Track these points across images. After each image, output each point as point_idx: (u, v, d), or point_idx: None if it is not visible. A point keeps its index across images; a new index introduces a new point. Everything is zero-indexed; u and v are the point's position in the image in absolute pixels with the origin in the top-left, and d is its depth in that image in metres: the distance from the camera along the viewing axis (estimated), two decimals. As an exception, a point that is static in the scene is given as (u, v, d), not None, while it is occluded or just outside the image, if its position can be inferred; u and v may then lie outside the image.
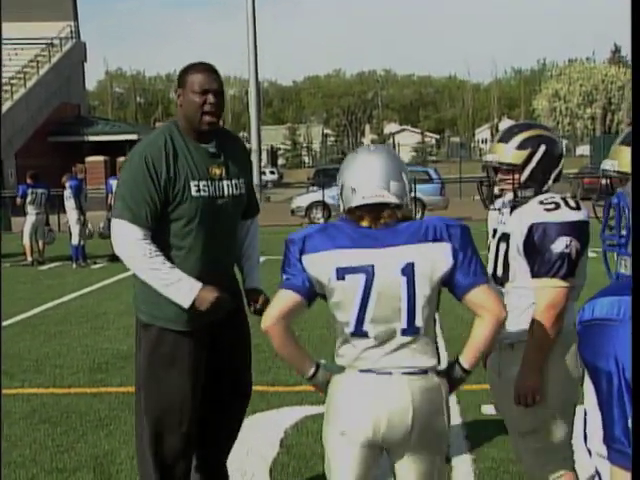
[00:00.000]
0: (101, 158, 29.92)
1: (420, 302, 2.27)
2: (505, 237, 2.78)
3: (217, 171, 2.96)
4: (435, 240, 2.28)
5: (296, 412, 4.82)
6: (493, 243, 2.86)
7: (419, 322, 2.28)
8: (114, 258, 13.62)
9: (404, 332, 2.28)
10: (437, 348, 2.37)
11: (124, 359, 6.38)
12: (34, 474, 4.03)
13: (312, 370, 2.36)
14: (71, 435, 4.59)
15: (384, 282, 2.26)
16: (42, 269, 12.93)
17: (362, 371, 2.30)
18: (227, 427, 3.29)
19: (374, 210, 2.31)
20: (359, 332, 2.28)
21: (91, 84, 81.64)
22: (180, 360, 2.99)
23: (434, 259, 2.27)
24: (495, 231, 2.88)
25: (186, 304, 2.86)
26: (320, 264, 2.28)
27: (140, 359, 3.08)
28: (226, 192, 2.99)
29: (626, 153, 2.48)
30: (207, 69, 2.96)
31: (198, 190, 2.91)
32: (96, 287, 10.69)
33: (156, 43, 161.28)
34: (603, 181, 2.73)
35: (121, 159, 28.22)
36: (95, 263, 13.28)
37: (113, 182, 14.03)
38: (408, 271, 2.26)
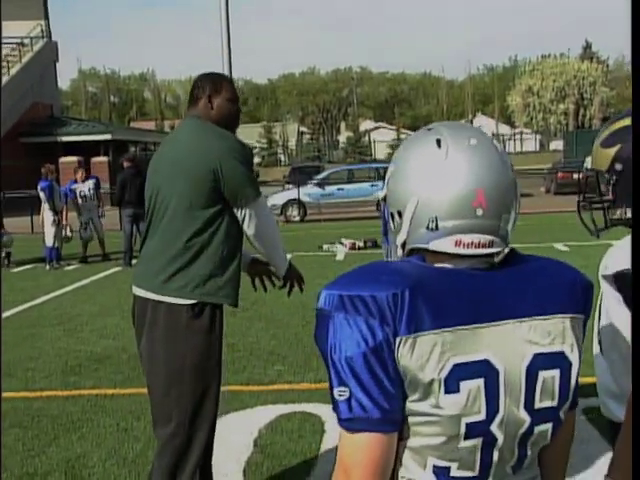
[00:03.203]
0: (75, 159, 29.55)
1: None
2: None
3: None
4: None
5: (270, 411, 4.80)
6: None
7: None
8: (87, 260, 13.53)
9: None
10: None
11: (98, 361, 6.32)
12: (4, 479, 3.96)
13: None
14: (42, 439, 4.52)
15: None
16: (15, 271, 12.78)
17: None
18: None
19: None
20: None
21: (64, 83, 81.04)
22: (219, 335, 3.03)
23: None
24: None
25: (285, 268, 3.16)
26: None
27: (182, 346, 2.97)
28: None
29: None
30: (231, 81, 3.22)
31: None
32: (70, 289, 10.52)
33: (130, 42, 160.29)
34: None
35: (95, 159, 28.00)
36: (69, 265, 13.15)
37: (87, 182, 13.79)
38: None
